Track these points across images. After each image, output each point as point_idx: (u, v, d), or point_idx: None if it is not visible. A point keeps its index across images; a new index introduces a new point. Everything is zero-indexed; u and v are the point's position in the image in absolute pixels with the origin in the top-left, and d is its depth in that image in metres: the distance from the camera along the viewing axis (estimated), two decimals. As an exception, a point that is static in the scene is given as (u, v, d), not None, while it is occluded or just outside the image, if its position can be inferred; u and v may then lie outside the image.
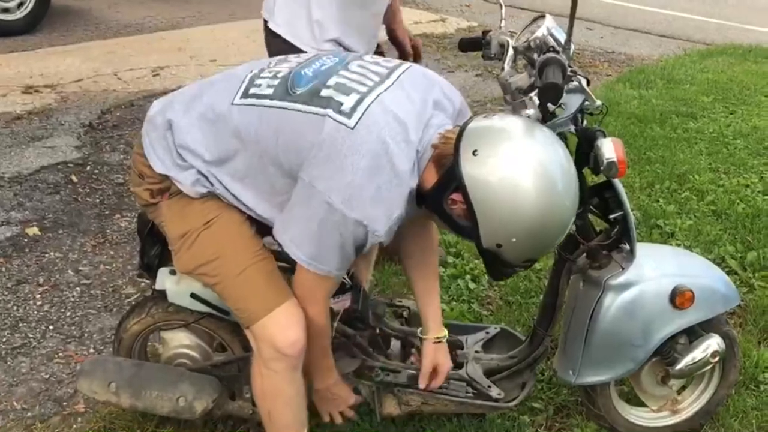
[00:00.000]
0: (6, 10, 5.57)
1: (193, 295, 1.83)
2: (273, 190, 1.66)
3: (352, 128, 1.54)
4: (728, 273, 3.05)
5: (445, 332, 2.00)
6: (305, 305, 1.70)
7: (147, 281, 2.06)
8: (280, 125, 1.61)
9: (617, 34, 7.29)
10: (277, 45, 2.31)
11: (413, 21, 6.96)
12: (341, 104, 1.57)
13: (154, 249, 1.89)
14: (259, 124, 1.63)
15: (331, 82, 1.63)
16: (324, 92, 1.61)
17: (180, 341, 1.99)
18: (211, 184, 1.69)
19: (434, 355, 1.97)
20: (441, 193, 1.59)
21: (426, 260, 2.01)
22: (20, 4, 5.62)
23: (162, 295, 1.89)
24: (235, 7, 7.04)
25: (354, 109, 1.56)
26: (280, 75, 1.69)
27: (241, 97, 1.67)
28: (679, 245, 3.24)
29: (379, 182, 1.53)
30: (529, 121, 1.62)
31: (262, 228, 1.75)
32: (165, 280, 1.86)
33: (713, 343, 1.97)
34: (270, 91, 1.65)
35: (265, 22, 2.41)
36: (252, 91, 1.67)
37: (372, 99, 1.59)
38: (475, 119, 1.60)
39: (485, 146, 1.52)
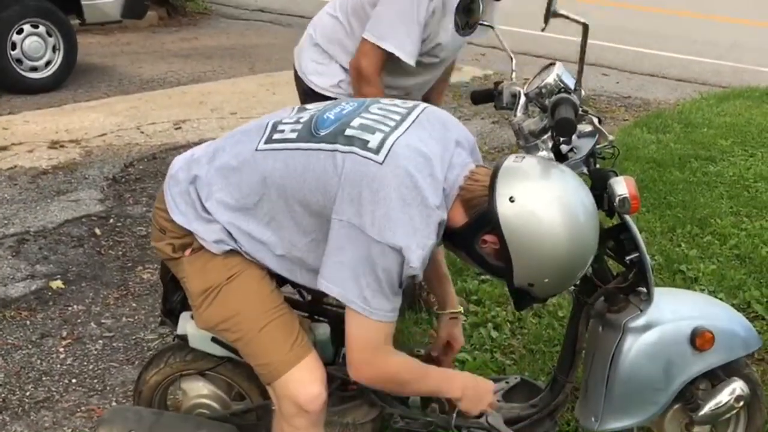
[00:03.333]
0: (34, 69, 5.74)
1: (214, 339, 1.83)
2: (300, 229, 1.67)
3: (381, 163, 1.58)
4: (754, 318, 3.04)
5: (461, 309, 2.10)
6: (369, 356, 1.67)
7: (168, 330, 2.07)
8: (306, 165, 1.63)
9: (633, 79, 7.34)
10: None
11: (430, 70, 7.05)
12: (367, 142, 1.62)
13: (177, 294, 1.90)
14: (284, 167, 1.65)
15: (355, 123, 1.67)
16: (348, 132, 1.65)
17: (199, 391, 1.99)
18: (235, 241, 1.70)
19: (449, 329, 2.06)
20: (473, 233, 1.64)
21: (436, 263, 2.05)
22: (47, 63, 5.79)
23: (183, 340, 1.90)
24: (255, 61, 7.20)
25: (381, 145, 1.61)
26: (302, 120, 1.73)
27: (265, 143, 1.70)
28: (702, 290, 3.20)
29: (411, 213, 1.56)
30: (555, 164, 1.68)
31: (282, 280, 1.76)
32: (186, 325, 1.87)
33: (737, 387, 1.94)
34: (294, 135, 1.69)
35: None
36: (276, 136, 1.71)
37: (397, 136, 1.63)
38: (507, 162, 1.65)
39: (522, 192, 1.59)
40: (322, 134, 1.66)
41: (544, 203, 1.58)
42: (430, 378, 1.80)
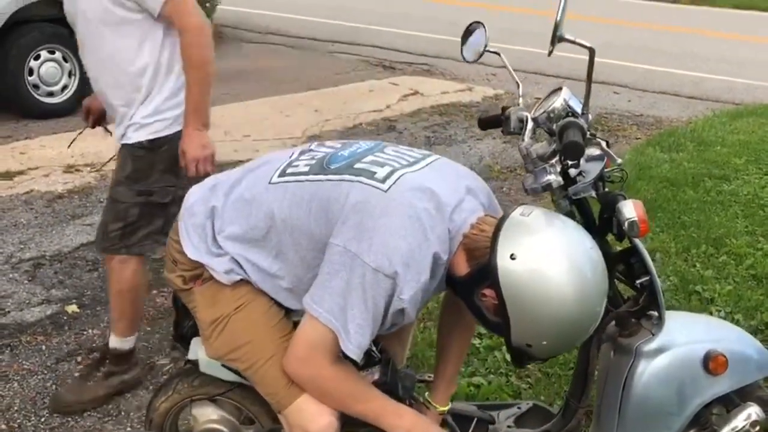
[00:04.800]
0: (50, 94, 5.81)
1: (225, 365, 1.83)
2: (304, 263, 1.66)
3: (385, 191, 1.57)
4: (773, 340, 3.00)
5: (446, 408, 2.01)
6: (305, 353, 1.60)
7: (180, 355, 2.07)
8: (313, 195, 1.64)
9: (645, 97, 7.34)
10: None
11: (441, 91, 7.09)
12: (375, 173, 1.62)
13: (188, 320, 1.91)
14: (292, 197, 1.66)
15: (367, 159, 1.68)
16: (358, 165, 1.66)
17: (209, 416, 1.98)
18: (244, 271, 1.71)
19: (429, 416, 1.97)
20: (473, 285, 1.60)
21: (464, 332, 2.00)
22: (63, 88, 5.87)
23: (194, 365, 1.90)
24: (268, 84, 7.25)
25: (388, 177, 1.61)
26: (317, 156, 1.74)
27: (278, 176, 1.72)
28: (719, 311, 3.18)
29: (411, 244, 1.53)
30: (565, 219, 1.64)
31: (291, 310, 1.76)
32: (197, 350, 1.88)
33: (752, 412, 1.92)
34: (306, 168, 1.70)
35: None
36: (289, 170, 1.72)
37: (405, 171, 1.63)
38: (513, 216, 1.59)
39: (524, 250, 1.52)
40: (332, 168, 1.67)
41: (546, 264, 1.51)
42: (375, 403, 1.70)
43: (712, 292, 3.35)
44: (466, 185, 1.69)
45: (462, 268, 1.61)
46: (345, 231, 1.57)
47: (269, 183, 1.71)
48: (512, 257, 1.51)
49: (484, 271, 1.55)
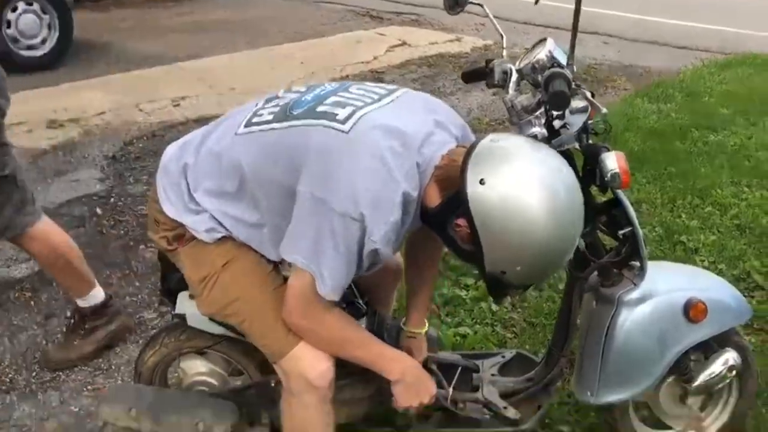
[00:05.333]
0: (30, 47, 5.70)
1: (212, 318, 1.85)
2: (278, 213, 1.64)
3: (347, 133, 1.55)
4: (754, 288, 3.05)
5: (423, 329, 2.05)
6: (303, 317, 1.64)
7: (168, 309, 2.08)
8: (277, 144, 1.63)
9: (635, 47, 7.28)
10: None
11: (429, 42, 7.01)
12: (336, 115, 1.60)
13: (174, 275, 1.91)
14: (257, 148, 1.65)
15: (329, 101, 1.66)
16: (320, 108, 1.64)
17: (197, 369, 2.01)
18: (225, 228, 1.71)
19: (408, 344, 2.02)
20: (445, 216, 1.59)
21: (428, 260, 2.02)
22: (43, 41, 5.76)
23: (182, 319, 1.92)
24: (253, 35, 7.15)
25: (349, 117, 1.58)
26: (282, 103, 1.72)
27: (244, 127, 1.70)
28: (703, 261, 3.22)
29: (377, 185, 1.52)
30: (536, 144, 1.62)
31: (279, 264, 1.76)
32: (184, 305, 1.89)
33: (729, 357, 1.96)
34: (270, 117, 1.68)
35: None
36: (254, 120, 1.70)
37: (368, 110, 1.60)
38: (483, 142, 1.58)
39: (493, 174, 1.51)
40: (295, 113, 1.65)
41: (516, 187, 1.50)
42: (372, 348, 1.74)
43: (696, 243, 3.38)
44: (434, 119, 1.67)
45: (434, 199, 1.60)
46: (310, 177, 1.55)
47: (235, 134, 1.69)
48: (481, 182, 1.50)
49: (456, 200, 1.54)
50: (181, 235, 1.75)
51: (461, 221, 1.55)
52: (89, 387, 2.49)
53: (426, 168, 1.59)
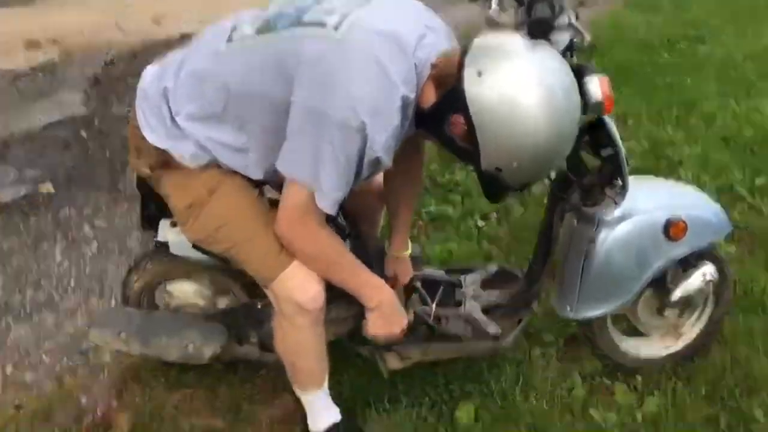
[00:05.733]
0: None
1: (195, 245, 1.86)
2: (269, 130, 1.61)
3: (339, 39, 1.51)
4: (736, 200, 3.09)
5: (407, 251, 2.08)
6: (296, 230, 1.62)
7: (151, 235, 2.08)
8: (264, 57, 1.58)
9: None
10: None
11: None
12: (324, 22, 1.55)
13: (154, 202, 1.91)
14: (243, 64, 1.61)
15: (314, 9, 1.60)
16: (306, 17, 1.58)
17: (184, 292, 2.04)
18: (210, 153, 1.67)
19: (394, 266, 2.06)
20: (442, 113, 1.56)
21: (409, 179, 2.01)
22: (15, -43, 5.55)
23: (164, 246, 1.92)
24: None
25: (339, 24, 1.53)
26: (263, 17, 1.66)
27: (225, 44, 1.65)
28: (686, 174, 3.24)
29: (376, 90, 1.49)
30: (536, 42, 1.58)
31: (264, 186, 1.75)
32: (166, 232, 1.89)
33: (707, 271, 2.00)
34: (252, 31, 1.63)
35: None
36: (236, 36, 1.65)
37: (358, 15, 1.56)
38: (480, 39, 1.55)
39: (491, 67, 1.48)
40: (280, 25, 1.60)
41: (515, 79, 1.47)
42: (357, 273, 1.74)
43: (681, 155, 3.40)
44: (425, 24, 1.62)
45: (430, 98, 1.58)
46: (304, 88, 1.51)
47: (217, 53, 1.64)
48: (479, 74, 1.48)
49: (452, 97, 1.52)
50: (164, 161, 1.71)
51: (458, 118, 1.53)
52: (83, 308, 2.54)
53: (422, 69, 1.56)
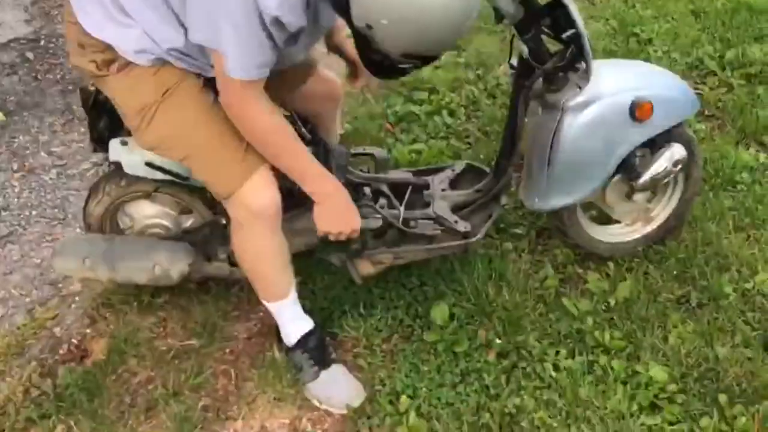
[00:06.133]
0: None
1: (148, 164, 1.80)
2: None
3: None
4: (706, 75, 3.04)
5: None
6: (237, 101, 1.57)
7: (104, 158, 2.01)
8: None
9: None
10: None
11: None
12: None
13: (102, 121, 1.83)
14: None
15: None
16: None
17: (145, 212, 1.99)
18: (158, 45, 1.58)
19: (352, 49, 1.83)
20: None
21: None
22: None
23: (117, 166, 1.86)
24: None
25: None
26: None
27: None
28: (656, 52, 3.17)
29: None
30: None
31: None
32: (118, 152, 1.83)
33: (675, 152, 1.98)
34: None
35: None
36: None
37: None
38: None
39: None
40: None
41: None
42: (308, 163, 1.68)
43: (650, 33, 3.30)
44: None
45: None
46: None
47: None
48: None
49: None
50: (111, 59, 1.62)
51: None
52: (48, 238, 2.48)
53: None
